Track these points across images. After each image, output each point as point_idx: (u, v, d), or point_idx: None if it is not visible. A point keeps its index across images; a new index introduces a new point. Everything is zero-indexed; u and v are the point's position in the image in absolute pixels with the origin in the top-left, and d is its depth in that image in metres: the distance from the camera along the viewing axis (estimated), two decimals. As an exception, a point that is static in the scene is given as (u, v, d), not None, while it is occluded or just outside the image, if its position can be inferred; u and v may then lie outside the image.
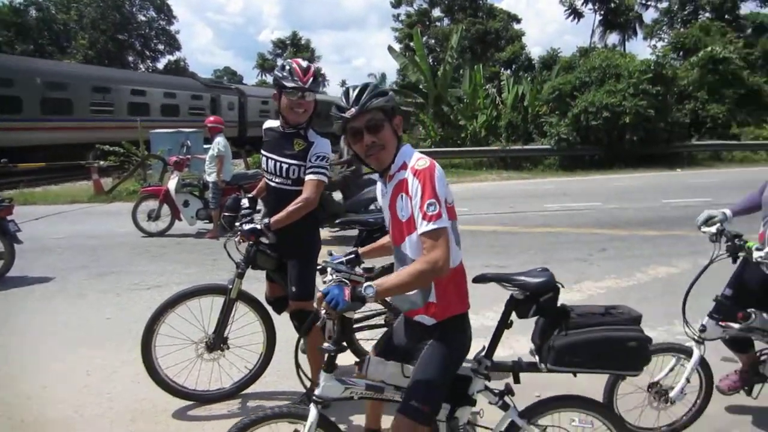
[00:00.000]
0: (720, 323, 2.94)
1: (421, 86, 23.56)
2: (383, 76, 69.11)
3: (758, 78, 24.54)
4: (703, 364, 2.99)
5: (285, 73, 3.13)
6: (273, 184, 3.33)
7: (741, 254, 2.86)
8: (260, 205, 3.65)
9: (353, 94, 2.06)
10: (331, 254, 2.12)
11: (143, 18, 48.20)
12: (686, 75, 23.07)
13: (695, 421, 3.08)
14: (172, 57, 51.53)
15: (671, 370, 3.01)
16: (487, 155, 20.19)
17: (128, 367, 3.89)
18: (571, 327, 2.19)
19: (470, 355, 2.28)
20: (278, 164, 3.26)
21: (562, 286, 2.22)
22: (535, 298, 2.18)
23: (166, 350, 3.42)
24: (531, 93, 22.09)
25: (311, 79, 3.14)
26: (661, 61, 20.56)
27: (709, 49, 23.43)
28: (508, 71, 35.30)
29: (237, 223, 3.36)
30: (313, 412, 2.09)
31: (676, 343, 3.10)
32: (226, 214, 3.62)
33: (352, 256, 2.18)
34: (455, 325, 2.16)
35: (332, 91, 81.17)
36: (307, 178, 3.18)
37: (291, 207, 3.14)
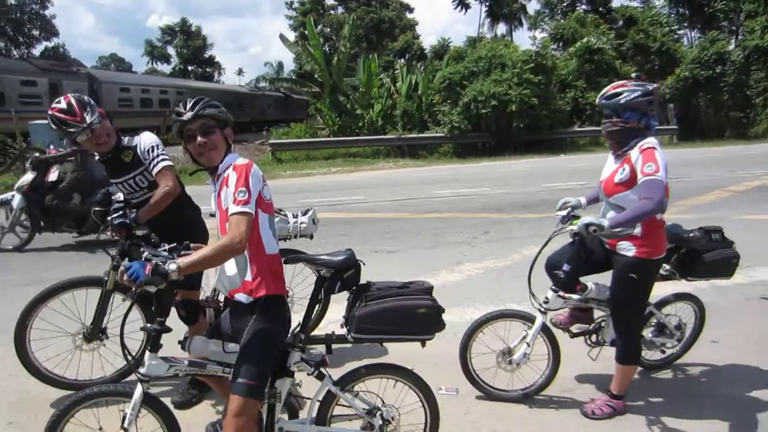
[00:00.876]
0: (561, 295, 3.29)
1: (316, 75, 23.47)
2: (280, 65, 68.38)
3: (629, 67, 26.55)
4: (548, 333, 3.34)
5: (62, 126, 3.20)
6: (137, 200, 3.41)
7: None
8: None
9: (190, 104, 2.34)
10: (161, 245, 2.28)
11: (13, 1, 44.08)
12: (566, 65, 24.67)
13: (548, 386, 3.43)
14: (50, 43, 47.75)
15: (523, 338, 3.34)
16: (384, 144, 20.55)
17: (5, 362, 3.77)
18: (370, 299, 2.44)
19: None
20: (126, 183, 3.39)
21: (363, 264, 2.50)
22: (339, 275, 2.43)
23: (45, 343, 3.44)
24: (424, 82, 22.71)
25: (85, 111, 3.19)
26: (541, 51, 21.81)
27: (585, 40, 25.16)
28: (402, 60, 35.93)
29: (108, 218, 3.33)
30: (138, 390, 2.25)
31: (521, 311, 3.45)
32: (97, 209, 3.61)
33: (174, 246, 2.32)
34: (272, 305, 2.35)
35: (228, 79, 78.86)
36: (155, 171, 3.28)
37: (153, 198, 3.23)
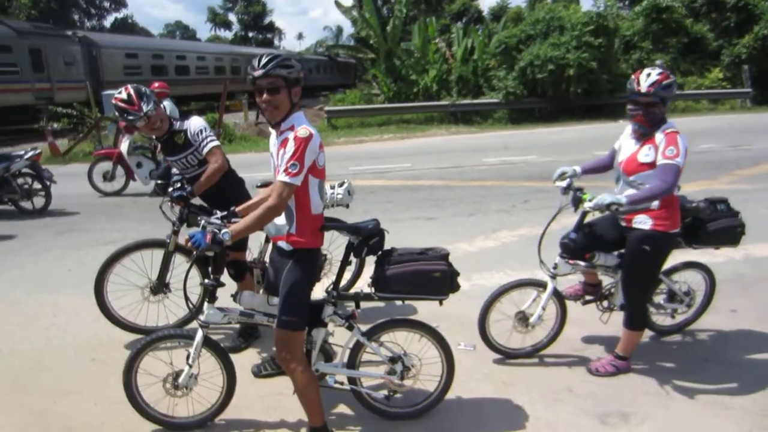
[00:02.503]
0: (569, 261, 3.54)
1: (371, 41, 23.54)
2: (339, 29, 68.26)
3: (702, 26, 25.08)
4: (558, 296, 3.61)
5: (123, 114, 3.67)
6: (190, 175, 3.89)
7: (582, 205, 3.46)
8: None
9: (264, 60, 2.50)
10: (214, 213, 2.71)
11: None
12: (631, 25, 23.60)
13: (554, 341, 3.73)
14: (119, 14, 49.78)
15: (534, 301, 3.62)
16: (438, 110, 20.52)
17: (88, 310, 4.36)
18: (393, 263, 2.77)
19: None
20: (181, 161, 3.86)
21: (388, 232, 2.84)
22: (366, 242, 2.78)
23: (120, 294, 4.02)
24: (479, 46, 22.33)
25: (142, 101, 3.64)
26: (603, 12, 20.96)
27: (653, -3, 23.93)
28: (459, 24, 35.18)
29: (170, 189, 3.85)
30: (199, 334, 2.73)
31: (535, 278, 3.71)
32: (159, 182, 4.13)
33: (225, 213, 2.78)
34: (307, 255, 2.70)
35: (289, 45, 79.46)
36: (205, 152, 3.75)
37: (205, 174, 3.72)
